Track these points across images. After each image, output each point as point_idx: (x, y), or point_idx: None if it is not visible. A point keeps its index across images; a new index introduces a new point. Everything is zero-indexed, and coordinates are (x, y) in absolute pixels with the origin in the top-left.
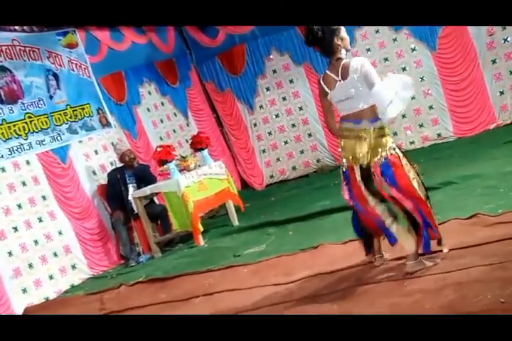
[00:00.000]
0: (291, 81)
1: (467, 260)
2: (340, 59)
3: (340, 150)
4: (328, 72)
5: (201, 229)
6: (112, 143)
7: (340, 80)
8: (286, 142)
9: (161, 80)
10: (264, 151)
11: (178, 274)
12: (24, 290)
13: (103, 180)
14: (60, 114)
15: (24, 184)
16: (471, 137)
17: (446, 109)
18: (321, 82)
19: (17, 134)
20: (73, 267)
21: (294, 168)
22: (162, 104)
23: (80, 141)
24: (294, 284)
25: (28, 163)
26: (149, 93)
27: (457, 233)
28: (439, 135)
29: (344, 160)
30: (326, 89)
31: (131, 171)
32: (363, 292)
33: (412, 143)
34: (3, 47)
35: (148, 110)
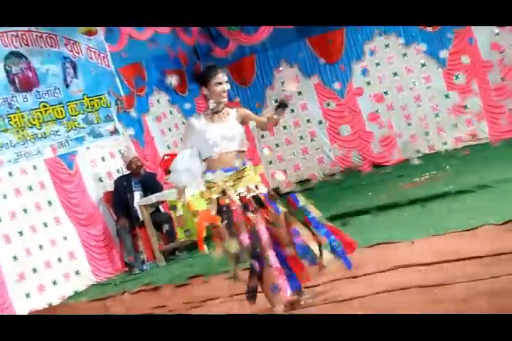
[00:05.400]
0: (299, 93)
1: (500, 267)
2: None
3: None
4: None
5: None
6: (120, 151)
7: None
8: (293, 154)
9: (170, 89)
10: (270, 163)
11: (182, 283)
12: (27, 295)
13: (109, 186)
14: (76, 104)
15: (30, 189)
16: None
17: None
18: None
19: (31, 124)
20: (77, 273)
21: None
22: (171, 112)
23: (88, 148)
24: (309, 289)
25: (35, 168)
26: (158, 101)
27: (490, 239)
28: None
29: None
30: None
31: (138, 179)
32: (389, 298)
33: (445, 143)
34: (20, 33)
35: (157, 118)
